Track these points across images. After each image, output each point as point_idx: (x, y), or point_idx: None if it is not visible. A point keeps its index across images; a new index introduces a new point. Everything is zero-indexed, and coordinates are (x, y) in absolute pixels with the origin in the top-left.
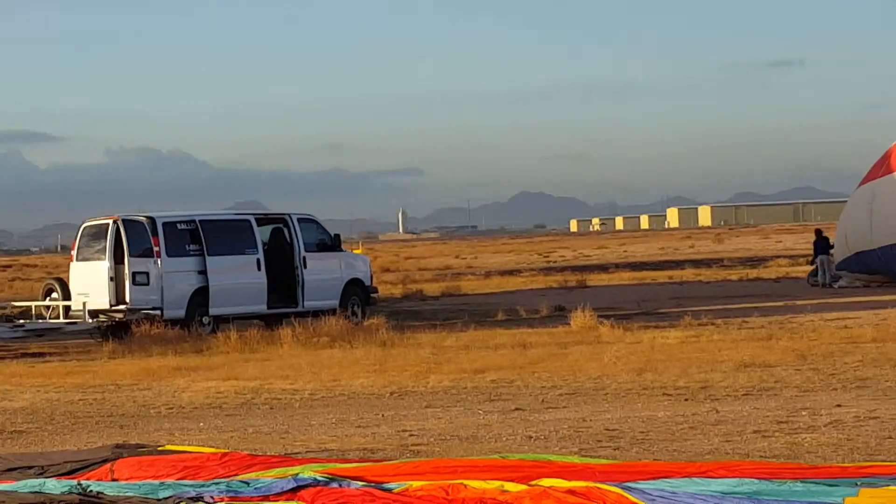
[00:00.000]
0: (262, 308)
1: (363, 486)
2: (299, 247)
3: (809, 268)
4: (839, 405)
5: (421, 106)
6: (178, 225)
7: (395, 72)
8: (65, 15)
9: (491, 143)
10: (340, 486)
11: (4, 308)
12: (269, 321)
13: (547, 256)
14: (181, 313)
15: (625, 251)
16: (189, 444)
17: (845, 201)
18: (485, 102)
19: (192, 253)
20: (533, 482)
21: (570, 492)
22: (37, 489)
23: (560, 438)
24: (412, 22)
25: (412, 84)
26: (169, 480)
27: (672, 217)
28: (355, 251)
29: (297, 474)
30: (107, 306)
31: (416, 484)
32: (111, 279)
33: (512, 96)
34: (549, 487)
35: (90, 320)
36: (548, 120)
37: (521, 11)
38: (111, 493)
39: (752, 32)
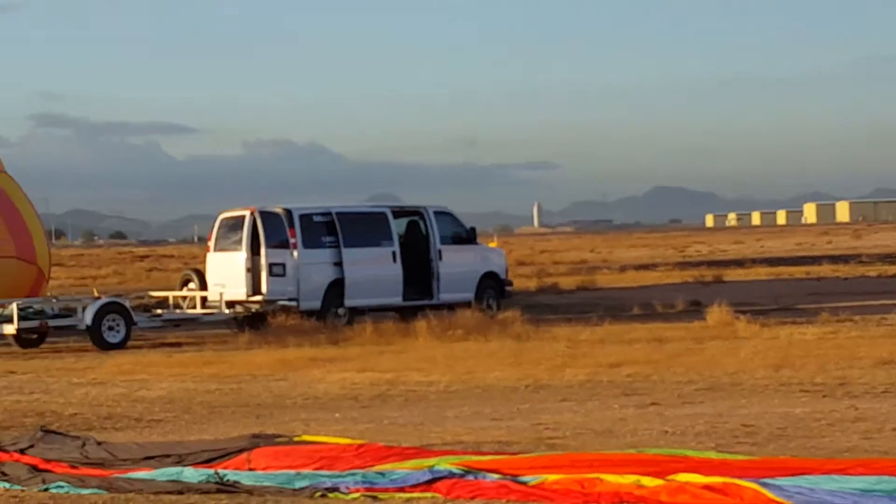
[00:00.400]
0: (397, 300)
1: (499, 478)
2: (435, 239)
3: None
4: None
5: (558, 99)
6: (315, 217)
7: (529, 64)
8: (201, 9)
9: (627, 136)
10: (476, 478)
11: (142, 298)
12: (405, 313)
13: (682, 251)
14: (317, 304)
15: (761, 246)
16: (325, 435)
17: None
18: (620, 95)
19: (328, 245)
20: (669, 477)
21: (707, 487)
22: (174, 477)
23: (696, 434)
24: (544, 16)
25: (547, 77)
26: (305, 471)
27: (809, 212)
28: (490, 244)
29: (432, 466)
30: (243, 297)
31: (552, 477)
32: (248, 270)
33: (648, 89)
34: (685, 482)
35: (227, 311)
36: (685, 113)
37: (652, 5)
38: (248, 483)
39: (889, 25)
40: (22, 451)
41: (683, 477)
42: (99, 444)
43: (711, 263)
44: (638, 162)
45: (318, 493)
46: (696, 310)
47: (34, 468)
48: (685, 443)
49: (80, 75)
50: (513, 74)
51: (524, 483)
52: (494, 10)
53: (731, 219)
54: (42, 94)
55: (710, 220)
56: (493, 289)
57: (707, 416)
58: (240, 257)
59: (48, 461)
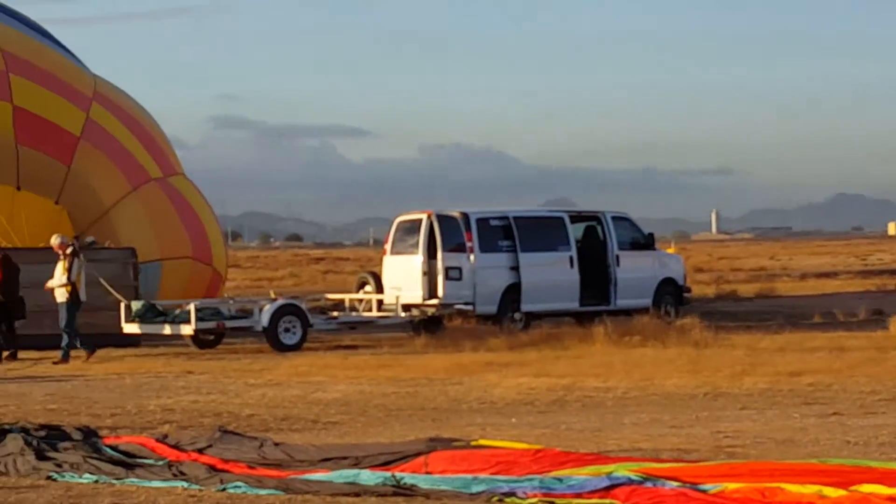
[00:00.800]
0: (574, 305)
1: (678, 486)
2: (612, 245)
3: None
4: None
5: (736, 104)
6: (492, 221)
7: (708, 68)
8: (379, 13)
9: (809, 142)
10: (654, 485)
11: (318, 300)
12: (581, 318)
13: (864, 259)
14: (493, 309)
15: None
16: (501, 440)
17: None
18: (801, 100)
19: (504, 249)
20: (853, 488)
21: (892, 499)
22: (351, 480)
23: (880, 444)
24: (722, 18)
25: (727, 81)
26: (482, 475)
27: None
28: (668, 250)
29: (610, 473)
30: (419, 300)
31: (732, 486)
32: (424, 274)
33: (831, 94)
34: (869, 493)
35: (403, 314)
36: (868, 119)
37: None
38: (425, 486)
39: None
40: (200, 451)
41: (867, 488)
42: (276, 445)
43: (894, 272)
44: (820, 168)
45: (496, 498)
46: (878, 319)
47: (212, 468)
48: (868, 453)
49: (258, 77)
50: (692, 78)
51: (704, 491)
52: (672, 12)
53: None
54: (220, 96)
55: (892, 229)
56: (671, 295)
57: (891, 426)
58: (416, 261)
59: (226, 461)
